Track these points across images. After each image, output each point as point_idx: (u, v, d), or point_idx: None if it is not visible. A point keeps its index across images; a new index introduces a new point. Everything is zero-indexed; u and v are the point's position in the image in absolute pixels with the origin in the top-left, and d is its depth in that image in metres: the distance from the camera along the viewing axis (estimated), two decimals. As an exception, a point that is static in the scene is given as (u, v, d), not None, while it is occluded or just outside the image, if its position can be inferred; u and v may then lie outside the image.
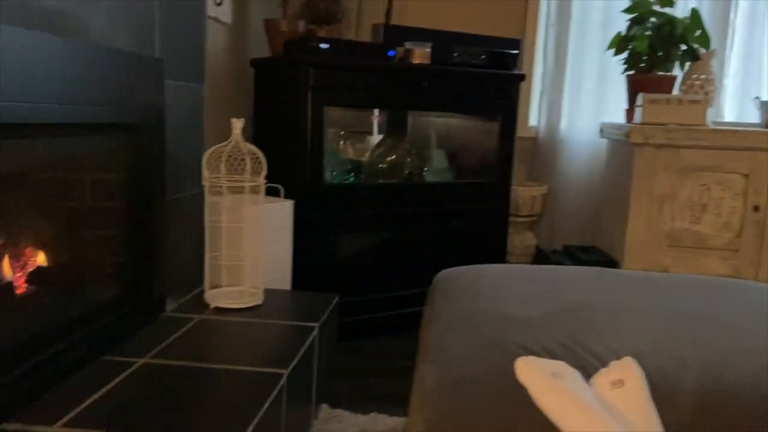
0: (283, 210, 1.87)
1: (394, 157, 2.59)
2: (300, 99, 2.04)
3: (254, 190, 1.57)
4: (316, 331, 1.47)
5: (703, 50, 2.42)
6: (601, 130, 2.69)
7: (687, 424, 0.83)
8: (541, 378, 0.82)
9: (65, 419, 0.98)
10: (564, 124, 2.84)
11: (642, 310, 1.16)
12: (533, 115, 2.94)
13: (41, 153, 1.17)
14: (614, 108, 2.72)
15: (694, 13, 2.42)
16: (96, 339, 1.23)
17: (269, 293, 1.66)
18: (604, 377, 0.83)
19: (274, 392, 1.13)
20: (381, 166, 2.57)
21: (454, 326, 1.11)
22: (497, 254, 2.58)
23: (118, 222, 1.37)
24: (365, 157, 2.57)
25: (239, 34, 2.26)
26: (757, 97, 2.57)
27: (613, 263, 2.42)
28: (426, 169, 2.57)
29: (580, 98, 2.81)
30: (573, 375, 0.84)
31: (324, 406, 1.64)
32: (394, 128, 2.72)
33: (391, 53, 2.20)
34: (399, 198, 2.35)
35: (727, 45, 2.69)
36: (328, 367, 1.68)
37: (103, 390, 1.09)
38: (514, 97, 2.50)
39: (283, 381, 1.19)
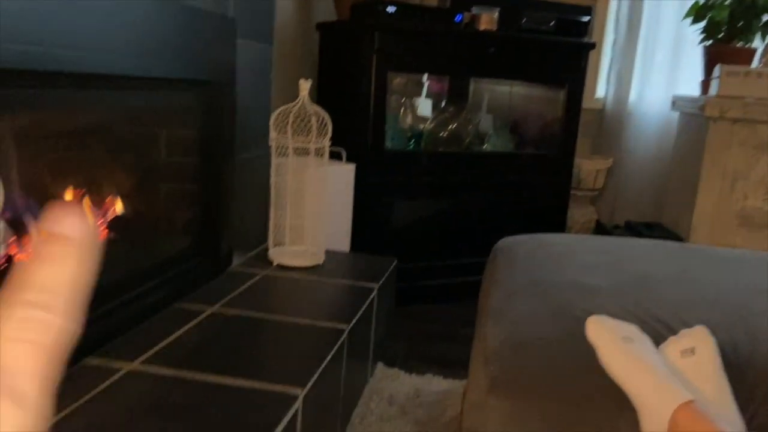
0: (345, 173, 1.90)
1: (454, 125, 2.57)
2: (364, 63, 2.04)
3: (319, 153, 1.59)
4: (375, 292, 1.50)
5: (788, 20, 2.28)
6: (674, 103, 2.59)
7: (758, 400, 0.81)
8: (612, 339, 0.81)
9: (142, 358, 1.04)
10: (633, 95, 2.74)
11: (711, 283, 1.13)
12: (601, 86, 2.85)
13: (121, 106, 1.21)
14: (688, 80, 2.60)
15: (783, -19, 2.28)
16: (169, 287, 1.29)
17: (330, 254, 1.69)
18: (674, 345, 0.82)
19: (336, 346, 1.17)
20: (441, 134, 2.56)
21: (518, 291, 1.11)
22: (557, 227, 2.54)
23: (191, 177, 1.42)
24: (426, 125, 2.56)
25: (306, -3, 2.27)
26: None
27: (678, 240, 2.35)
28: (487, 139, 2.54)
29: (652, 69, 2.71)
30: (644, 340, 0.83)
31: (380, 365, 1.67)
32: (456, 96, 2.69)
33: (457, 18, 2.17)
34: (458, 167, 2.33)
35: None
36: (386, 328, 1.71)
37: (176, 334, 1.14)
38: (582, 67, 2.43)
39: (344, 336, 1.22)
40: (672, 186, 2.60)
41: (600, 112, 2.83)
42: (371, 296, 1.46)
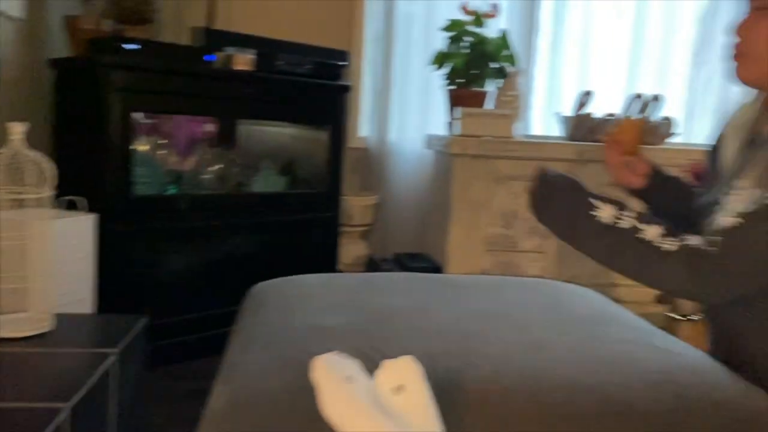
0: (81, 225, 1.70)
1: (220, 166, 2.48)
2: (104, 103, 1.87)
3: (40, 203, 1.40)
4: (113, 358, 1.33)
5: (511, 68, 2.60)
6: (427, 142, 2.79)
7: (468, 423, 0.85)
8: (334, 380, 0.78)
9: None
10: (392, 135, 2.91)
11: (444, 312, 1.18)
12: (364, 126, 2.98)
13: None
14: (438, 120, 2.84)
15: (503, 35, 2.61)
16: None
17: (64, 318, 1.48)
18: (385, 382, 0.82)
19: (49, 429, 0.99)
20: (205, 176, 2.45)
21: (255, 340, 1.06)
22: (329, 265, 2.57)
23: None
24: (187, 167, 2.43)
25: (34, 31, 2.03)
26: (558, 113, 2.83)
27: (438, 269, 2.51)
28: (255, 179, 2.49)
29: (407, 110, 2.91)
30: (365, 378, 0.82)
31: (128, 439, 1.49)
32: (221, 137, 2.61)
33: (210, 58, 2.11)
34: (224, 209, 2.25)
35: (532, 65, 2.94)
36: (136, 396, 1.53)
37: None
38: (342, 108, 2.52)
39: (62, 416, 1.05)
40: (431, 218, 2.79)
41: (365, 151, 2.96)
42: (106, 363, 1.30)
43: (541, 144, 2.45)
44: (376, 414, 0.76)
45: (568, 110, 2.76)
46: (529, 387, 0.91)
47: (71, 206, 1.74)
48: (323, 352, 0.93)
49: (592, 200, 0.99)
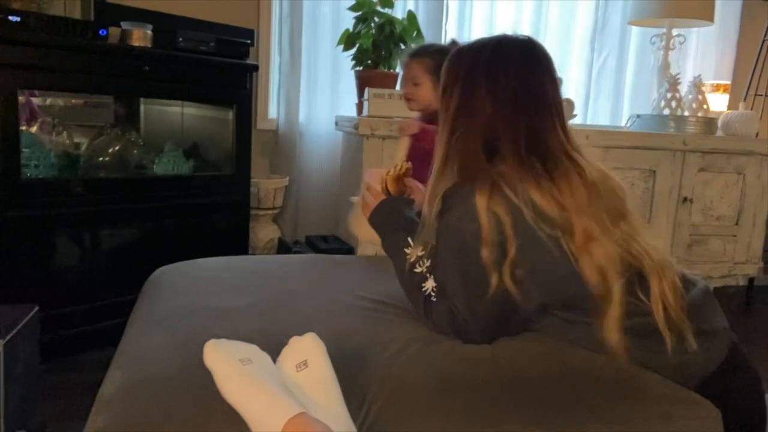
0: (-39, 210, 1.57)
1: (117, 148, 2.37)
2: (-15, 80, 1.73)
3: None
4: (-1, 349, 1.25)
5: (419, 50, 2.63)
6: (336, 123, 2.78)
7: (369, 401, 0.85)
8: (228, 362, 0.78)
9: None
10: (302, 116, 2.87)
11: (344, 292, 1.19)
12: (273, 107, 2.93)
13: None
14: (348, 101, 2.83)
15: (411, 16, 2.63)
16: None
17: (-57, 310, 1.37)
18: (289, 359, 0.82)
19: None
20: (103, 158, 2.33)
21: (151, 325, 1.03)
22: (239, 248, 2.52)
23: None
24: (83, 150, 2.30)
25: None
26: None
27: (350, 250, 2.52)
28: (157, 161, 2.39)
29: (316, 91, 2.87)
30: (262, 359, 0.82)
31: (20, 435, 1.41)
32: (120, 117, 2.49)
33: (102, 32, 1.99)
34: (123, 194, 2.14)
35: (441, 46, 2.98)
36: (27, 390, 1.45)
37: None
38: (248, 88, 2.45)
39: (-62, 414, 0.98)
40: (342, 200, 2.79)
41: (275, 133, 2.91)
42: (-9, 356, 1.22)
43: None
44: (275, 389, 0.76)
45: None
46: (429, 361, 0.93)
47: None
48: (223, 333, 0.92)
49: (409, 239, 1.10)
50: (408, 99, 1.85)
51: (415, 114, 1.91)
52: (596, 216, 0.96)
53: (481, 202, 0.95)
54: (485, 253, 0.94)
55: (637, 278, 0.97)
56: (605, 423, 0.85)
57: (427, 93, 1.78)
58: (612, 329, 0.93)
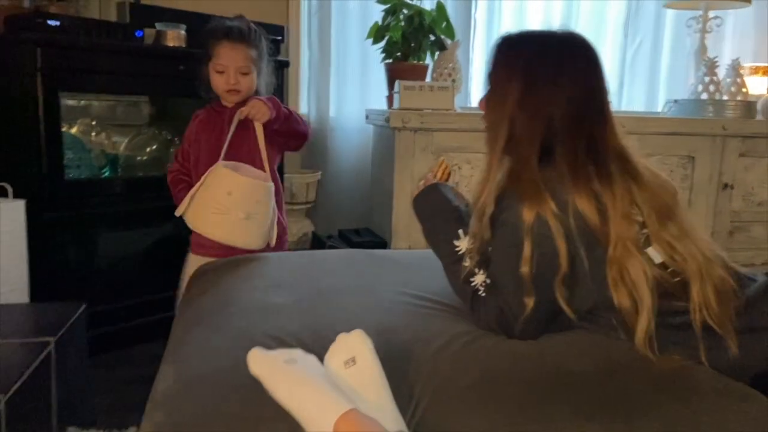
0: (11, 212, 1.62)
1: (154, 147, 2.41)
2: (28, 84, 1.77)
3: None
4: (51, 347, 1.29)
5: (449, 41, 2.62)
6: (367, 116, 2.78)
7: (417, 396, 0.86)
8: (274, 366, 0.79)
9: None
10: (333, 111, 2.88)
11: (387, 288, 1.20)
12: (303, 102, 2.94)
13: None
14: (378, 95, 2.83)
15: (440, 6, 2.61)
16: None
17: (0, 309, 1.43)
18: (337, 356, 0.83)
19: (-14, 425, 0.96)
20: (140, 158, 2.38)
21: (199, 322, 1.05)
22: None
23: None
24: (121, 149, 2.35)
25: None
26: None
27: (383, 243, 2.53)
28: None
29: (346, 85, 2.88)
30: (307, 359, 0.83)
31: (72, 429, 1.45)
32: (155, 117, 2.53)
33: (138, 34, 2.02)
34: (161, 191, 2.18)
35: (470, 37, 2.96)
36: (78, 385, 1.50)
37: None
38: (279, 84, 2.46)
39: (-1, 410, 1.01)
40: (375, 193, 2.80)
41: (306, 127, 2.92)
42: (45, 353, 1.26)
43: (480, 115, 2.48)
44: (324, 387, 0.77)
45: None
46: (475, 356, 0.93)
47: (1, 193, 1.66)
48: (273, 330, 0.93)
49: (460, 231, 1.08)
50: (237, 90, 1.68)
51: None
52: (647, 218, 0.95)
53: (528, 214, 0.94)
54: (530, 267, 0.94)
55: (680, 285, 0.96)
56: (656, 417, 0.84)
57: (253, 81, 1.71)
58: (641, 342, 0.93)
